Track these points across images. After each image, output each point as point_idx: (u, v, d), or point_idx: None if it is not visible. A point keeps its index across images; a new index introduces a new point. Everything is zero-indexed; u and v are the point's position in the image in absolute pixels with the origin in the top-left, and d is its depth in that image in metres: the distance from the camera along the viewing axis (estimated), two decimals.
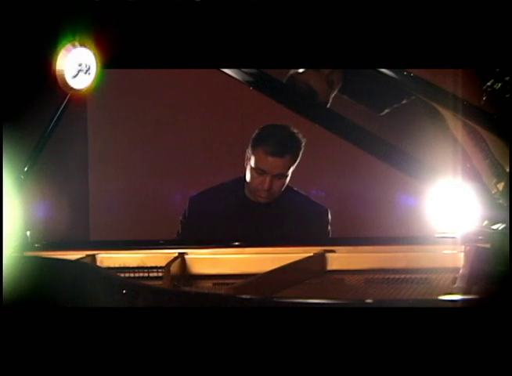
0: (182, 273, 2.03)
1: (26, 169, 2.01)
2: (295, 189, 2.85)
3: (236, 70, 1.82)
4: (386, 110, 2.46)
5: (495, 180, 1.90)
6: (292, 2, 1.72)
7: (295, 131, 2.72)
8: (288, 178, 2.74)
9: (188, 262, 2.06)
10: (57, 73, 1.84)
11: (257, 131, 2.73)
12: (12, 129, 1.83)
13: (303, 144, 2.72)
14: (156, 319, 1.42)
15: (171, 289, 1.76)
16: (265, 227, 2.76)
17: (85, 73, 1.88)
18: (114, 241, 2.27)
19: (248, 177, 2.74)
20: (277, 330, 1.36)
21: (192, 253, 2.07)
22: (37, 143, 2.03)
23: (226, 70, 1.82)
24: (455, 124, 1.98)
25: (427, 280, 1.93)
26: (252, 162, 2.69)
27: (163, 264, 1.95)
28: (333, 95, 2.41)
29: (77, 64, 1.87)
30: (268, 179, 2.67)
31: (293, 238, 2.65)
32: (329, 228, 2.85)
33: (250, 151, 2.71)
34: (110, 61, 1.86)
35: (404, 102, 2.38)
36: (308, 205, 2.84)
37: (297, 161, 2.73)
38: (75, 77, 1.88)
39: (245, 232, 2.73)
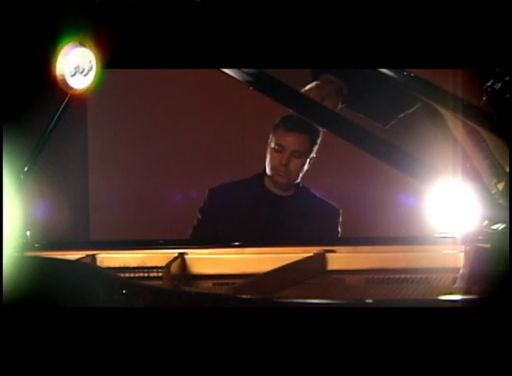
0: (182, 273, 2.03)
1: (26, 169, 2.01)
2: (310, 189, 2.98)
3: (236, 70, 1.81)
4: (391, 123, 2.50)
5: (495, 180, 1.90)
6: (292, 2, 1.72)
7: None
8: (306, 164, 2.87)
9: (188, 262, 2.06)
10: (57, 73, 1.84)
11: (277, 119, 2.90)
12: (12, 129, 1.82)
13: (321, 132, 2.87)
14: (156, 319, 1.42)
15: (171, 289, 1.76)
16: (280, 220, 2.87)
17: (82, 74, 1.88)
18: (114, 241, 2.27)
19: (268, 160, 2.88)
20: (277, 330, 1.36)
21: (192, 253, 2.07)
22: (37, 143, 2.03)
23: (226, 70, 1.82)
24: (455, 124, 1.98)
25: (427, 280, 1.92)
26: (272, 143, 2.86)
27: (163, 264, 1.95)
28: None
29: (75, 64, 1.87)
30: (286, 155, 2.82)
31: (304, 234, 2.81)
32: (339, 228, 2.97)
33: (271, 136, 2.88)
34: (110, 61, 1.86)
35: (408, 111, 2.39)
36: (322, 204, 2.98)
37: (315, 151, 2.87)
38: (73, 76, 1.88)
39: (261, 224, 2.84)
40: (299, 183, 2.92)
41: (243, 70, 1.81)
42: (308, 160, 2.88)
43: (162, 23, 1.75)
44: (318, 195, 3.00)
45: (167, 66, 1.85)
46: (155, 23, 1.75)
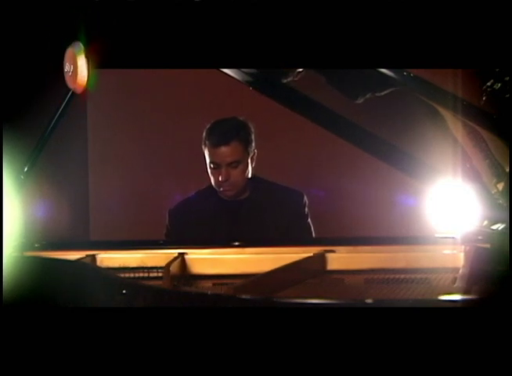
0: (182, 273, 2.03)
1: (26, 169, 2.01)
2: (267, 179, 2.87)
3: (236, 70, 1.82)
4: (360, 99, 2.42)
5: (495, 180, 1.90)
6: (292, 2, 1.72)
7: (241, 119, 2.78)
8: (249, 167, 2.76)
9: (188, 262, 2.06)
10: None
11: (204, 131, 2.79)
12: (12, 129, 1.83)
13: (252, 130, 2.76)
14: (156, 319, 1.42)
15: (171, 289, 1.76)
16: (245, 222, 2.77)
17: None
18: (114, 241, 2.27)
19: (210, 176, 2.78)
20: (277, 330, 1.36)
21: (192, 253, 2.07)
22: (37, 143, 2.03)
23: (226, 70, 1.82)
24: (455, 124, 1.98)
25: (427, 280, 1.92)
26: (207, 160, 2.75)
27: (163, 264, 1.95)
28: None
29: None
30: (223, 171, 2.71)
31: (273, 228, 2.72)
32: (307, 210, 2.84)
33: (204, 152, 2.77)
34: (109, 61, 1.86)
35: (380, 94, 2.34)
36: (282, 192, 2.85)
37: (252, 148, 2.76)
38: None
39: (228, 231, 2.75)
40: (252, 177, 2.79)
41: (243, 70, 1.81)
42: (250, 160, 2.75)
43: (162, 23, 1.75)
44: (276, 183, 2.87)
45: (167, 66, 1.85)
46: (154, 23, 1.75)
